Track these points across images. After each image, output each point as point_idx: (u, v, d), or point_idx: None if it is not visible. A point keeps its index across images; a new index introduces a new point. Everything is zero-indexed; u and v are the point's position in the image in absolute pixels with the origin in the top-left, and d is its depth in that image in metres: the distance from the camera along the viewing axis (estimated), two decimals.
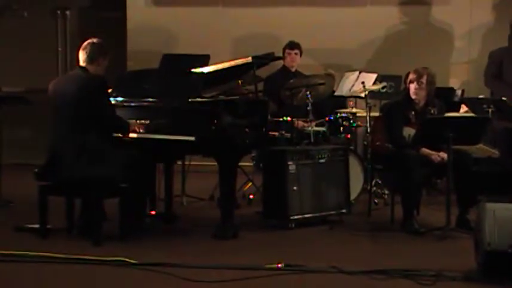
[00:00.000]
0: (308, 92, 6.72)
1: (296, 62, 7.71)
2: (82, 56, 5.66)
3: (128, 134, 5.68)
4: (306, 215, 6.13)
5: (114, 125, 5.65)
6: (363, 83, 7.28)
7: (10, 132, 9.63)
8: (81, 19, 9.96)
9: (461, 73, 9.25)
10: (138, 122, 5.71)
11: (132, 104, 5.87)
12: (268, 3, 9.53)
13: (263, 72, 6.69)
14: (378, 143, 6.51)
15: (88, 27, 9.66)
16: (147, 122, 5.71)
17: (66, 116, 5.49)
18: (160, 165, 6.39)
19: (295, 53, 7.70)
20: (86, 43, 5.70)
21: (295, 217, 6.06)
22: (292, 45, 7.72)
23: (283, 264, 4.79)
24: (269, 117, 6.29)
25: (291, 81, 6.97)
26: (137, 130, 5.69)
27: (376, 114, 7.31)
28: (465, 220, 5.90)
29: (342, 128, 7.17)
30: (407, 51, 9.12)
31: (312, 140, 6.70)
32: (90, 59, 5.63)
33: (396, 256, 5.20)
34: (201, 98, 5.87)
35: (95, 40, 5.70)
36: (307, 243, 5.67)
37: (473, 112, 7.00)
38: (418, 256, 5.22)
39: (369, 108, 7.20)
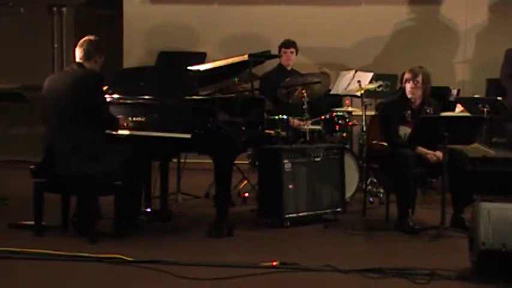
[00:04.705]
0: (304, 91, 6.73)
1: (292, 60, 7.70)
2: (79, 53, 5.65)
3: (117, 130, 5.66)
4: (301, 214, 6.13)
5: (107, 122, 5.63)
6: (358, 81, 7.29)
7: (5, 128, 9.64)
8: (77, 16, 9.94)
9: (457, 72, 9.26)
10: (128, 118, 5.69)
11: (128, 101, 5.86)
12: (264, 1, 9.53)
13: (259, 70, 6.69)
14: (373, 142, 6.51)
15: (84, 24, 9.65)
16: (143, 119, 5.70)
17: (61, 112, 5.47)
18: (155, 162, 6.38)
19: (291, 52, 7.69)
20: (82, 40, 5.69)
21: (290, 215, 6.06)
22: (288, 44, 7.71)
23: (278, 263, 4.80)
24: (265, 115, 6.29)
25: (287, 79, 6.97)
26: (125, 125, 5.67)
27: (372, 113, 7.32)
28: (460, 219, 5.91)
29: (337, 127, 7.17)
30: (403, 51, 9.13)
31: (308, 139, 6.71)
32: (86, 56, 5.63)
33: (391, 255, 5.20)
34: (197, 95, 5.86)
35: (91, 37, 5.69)
36: (302, 242, 5.67)
37: (468, 112, 7.02)
38: (412, 255, 5.22)
39: (365, 107, 7.21)
